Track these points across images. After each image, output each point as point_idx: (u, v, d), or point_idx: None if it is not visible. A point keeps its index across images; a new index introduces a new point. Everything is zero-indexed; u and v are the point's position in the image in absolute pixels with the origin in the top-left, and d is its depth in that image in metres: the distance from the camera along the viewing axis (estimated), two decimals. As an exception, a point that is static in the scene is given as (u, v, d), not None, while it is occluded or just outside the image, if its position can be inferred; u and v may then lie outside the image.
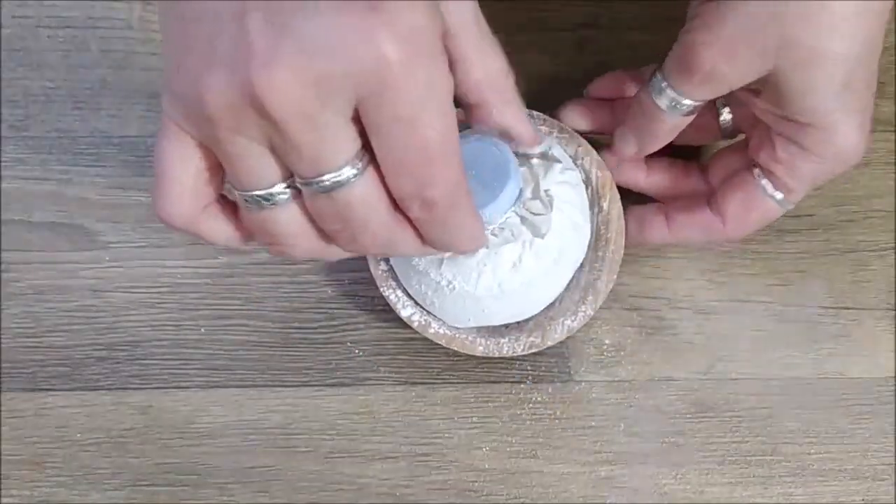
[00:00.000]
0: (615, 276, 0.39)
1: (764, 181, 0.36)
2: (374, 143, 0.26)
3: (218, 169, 0.28)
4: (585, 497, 0.42)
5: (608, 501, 0.42)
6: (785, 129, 0.34)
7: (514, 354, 0.39)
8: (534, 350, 0.39)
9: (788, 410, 0.42)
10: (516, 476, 0.42)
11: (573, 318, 0.39)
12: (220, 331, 0.43)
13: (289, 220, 0.28)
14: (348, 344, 0.43)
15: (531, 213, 0.36)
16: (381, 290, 0.40)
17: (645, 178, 0.41)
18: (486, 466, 0.42)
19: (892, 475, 0.42)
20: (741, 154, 0.38)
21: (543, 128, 0.40)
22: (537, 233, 0.36)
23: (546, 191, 0.36)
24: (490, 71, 0.30)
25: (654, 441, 0.42)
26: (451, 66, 0.28)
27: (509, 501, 0.42)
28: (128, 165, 0.44)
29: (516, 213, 0.36)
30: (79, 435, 0.42)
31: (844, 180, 0.43)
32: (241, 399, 0.43)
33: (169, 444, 0.42)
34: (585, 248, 0.39)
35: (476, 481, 0.42)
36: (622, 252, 0.40)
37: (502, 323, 0.39)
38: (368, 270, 0.40)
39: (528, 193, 0.36)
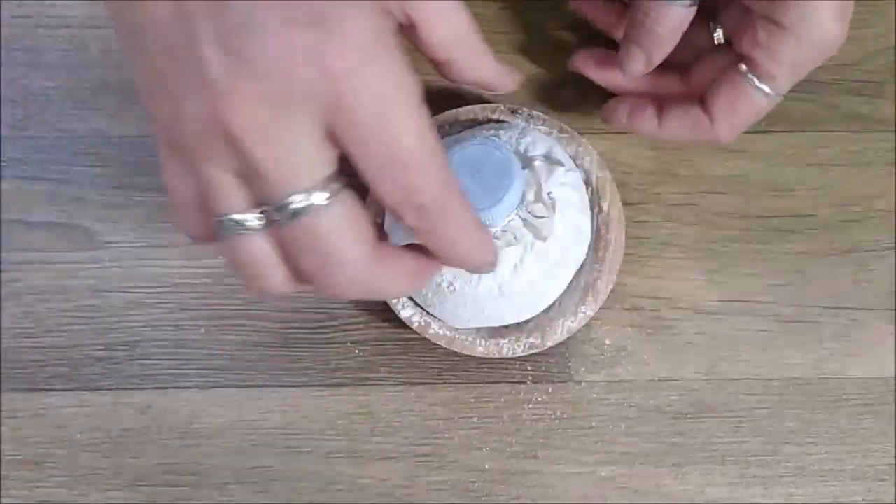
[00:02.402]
0: (615, 277, 0.39)
1: (749, 75, 0.36)
2: (351, 160, 0.25)
3: None
4: (585, 497, 0.42)
5: (608, 502, 0.42)
6: (765, 8, 0.35)
7: (515, 355, 0.39)
8: (534, 351, 0.39)
9: (788, 410, 0.42)
10: (516, 476, 0.42)
11: (573, 318, 0.39)
12: (220, 331, 0.43)
13: (259, 248, 0.27)
14: (348, 344, 0.43)
15: (534, 215, 0.36)
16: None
17: (659, 127, 0.40)
18: (487, 467, 0.42)
19: (892, 475, 0.42)
20: (726, 55, 0.38)
21: (543, 128, 0.40)
22: (539, 235, 0.36)
23: (549, 193, 0.36)
24: (454, 27, 0.29)
25: (654, 441, 0.42)
26: (415, 28, 0.27)
27: (509, 502, 0.42)
28: (127, 165, 0.44)
29: (519, 216, 0.36)
30: (79, 435, 0.42)
31: (844, 180, 0.43)
32: (241, 399, 0.42)
33: (169, 444, 0.42)
34: (586, 250, 0.39)
35: (476, 481, 0.42)
36: (622, 253, 0.40)
37: (502, 324, 0.39)
38: (368, 271, 0.40)
39: (530, 196, 0.36)
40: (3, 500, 0.42)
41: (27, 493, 0.42)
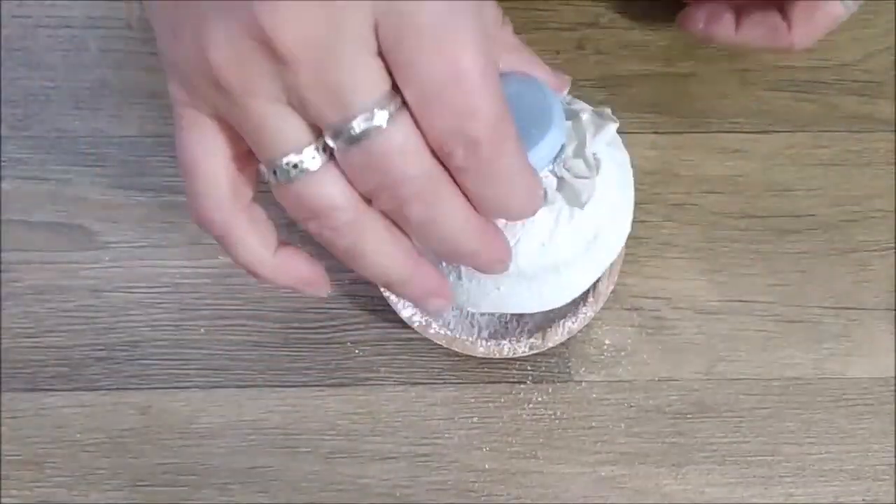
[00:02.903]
0: (616, 278, 0.39)
1: None
2: (399, 78, 0.22)
3: (249, 157, 0.25)
4: (585, 497, 0.42)
5: (608, 502, 0.42)
6: None
7: (515, 356, 0.39)
8: (534, 351, 0.39)
9: (789, 410, 0.42)
10: (516, 476, 0.42)
11: (574, 319, 0.39)
12: (220, 331, 0.43)
13: (325, 188, 0.24)
14: (348, 344, 0.43)
15: (573, 174, 0.30)
16: (382, 290, 0.40)
17: (736, 32, 0.40)
18: (487, 467, 0.42)
19: (892, 475, 0.42)
20: None
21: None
22: (576, 201, 0.30)
23: (594, 154, 0.31)
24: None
25: (654, 441, 0.42)
26: None
27: (509, 502, 0.42)
28: (128, 165, 0.44)
29: (554, 174, 0.30)
30: (78, 435, 0.42)
31: (844, 180, 0.43)
32: (241, 399, 0.42)
33: (169, 444, 0.42)
34: (623, 237, 0.34)
35: (476, 482, 0.42)
36: (623, 254, 0.40)
37: (523, 311, 0.34)
38: (368, 271, 0.40)
39: (569, 151, 0.30)
40: (3, 500, 0.42)
41: (27, 493, 0.42)
